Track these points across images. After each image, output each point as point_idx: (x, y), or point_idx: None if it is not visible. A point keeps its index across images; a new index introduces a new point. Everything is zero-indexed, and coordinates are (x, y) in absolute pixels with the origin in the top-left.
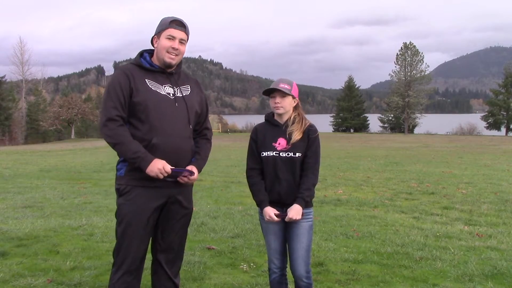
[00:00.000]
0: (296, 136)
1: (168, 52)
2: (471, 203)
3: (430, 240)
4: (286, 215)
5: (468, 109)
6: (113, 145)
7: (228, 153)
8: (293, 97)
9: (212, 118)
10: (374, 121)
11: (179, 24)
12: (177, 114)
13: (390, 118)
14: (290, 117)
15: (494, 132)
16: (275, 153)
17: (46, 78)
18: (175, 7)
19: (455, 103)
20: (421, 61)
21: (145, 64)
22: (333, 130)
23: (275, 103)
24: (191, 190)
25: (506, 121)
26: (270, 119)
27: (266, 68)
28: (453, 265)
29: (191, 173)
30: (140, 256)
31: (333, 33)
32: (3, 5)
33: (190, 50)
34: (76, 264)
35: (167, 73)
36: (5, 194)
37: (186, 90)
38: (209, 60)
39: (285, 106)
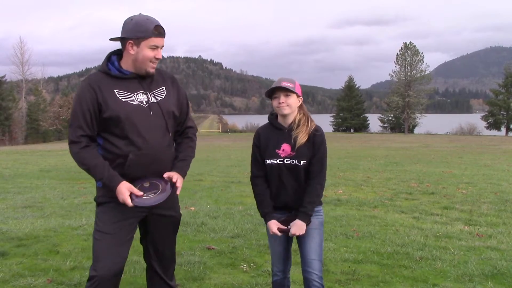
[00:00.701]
0: (301, 139)
1: (151, 62)
2: (471, 203)
3: (430, 240)
4: (289, 230)
5: (468, 109)
6: (81, 168)
7: (228, 153)
8: (298, 95)
9: (212, 118)
10: (374, 121)
11: (162, 31)
12: (153, 123)
13: (390, 118)
14: (295, 119)
15: (494, 132)
16: (279, 161)
17: (46, 78)
18: (174, 7)
19: (455, 103)
20: (421, 61)
21: (114, 72)
22: (333, 130)
23: (279, 103)
24: (175, 197)
25: (506, 121)
26: (274, 121)
27: (266, 68)
28: (453, 265)
29: (164, 197)
30: (116, 270)
31: (333, 33)
32: (3, 5)
33: (190, 50)
34: (76, 264)
35: (138, 78)
36: (5, 194)
37: (161, 94)
38: (209, 60)
39: (291, 105)
